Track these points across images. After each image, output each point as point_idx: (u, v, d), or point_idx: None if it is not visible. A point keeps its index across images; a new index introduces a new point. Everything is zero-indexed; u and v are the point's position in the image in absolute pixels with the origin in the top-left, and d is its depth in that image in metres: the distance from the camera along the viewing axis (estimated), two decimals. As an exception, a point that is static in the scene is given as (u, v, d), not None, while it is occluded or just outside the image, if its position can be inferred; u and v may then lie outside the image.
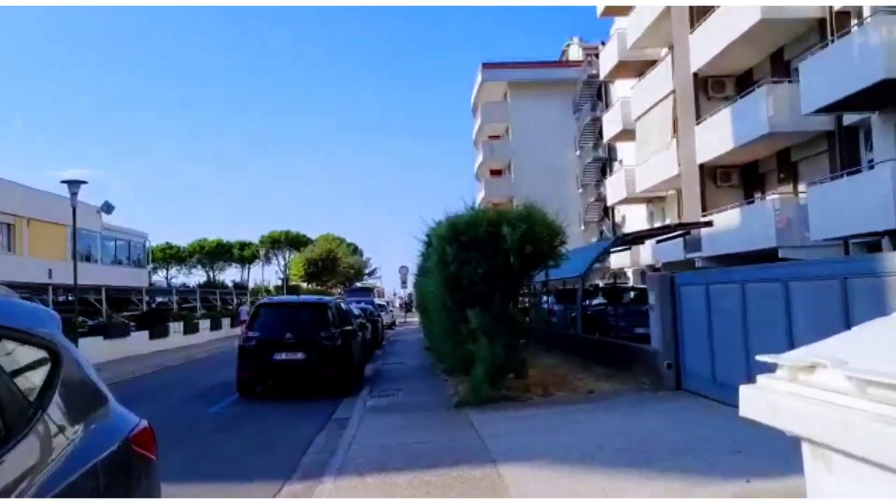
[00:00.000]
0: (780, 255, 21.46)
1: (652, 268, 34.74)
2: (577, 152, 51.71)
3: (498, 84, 60.09)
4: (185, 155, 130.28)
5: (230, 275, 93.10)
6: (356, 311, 22.38)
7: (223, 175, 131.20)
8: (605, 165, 46.05)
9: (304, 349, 13.23)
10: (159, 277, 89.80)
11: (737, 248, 23.23)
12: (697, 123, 27.01)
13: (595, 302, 19.13)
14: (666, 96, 29.94)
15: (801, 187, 23.82)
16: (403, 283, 50.37)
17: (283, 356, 13.20)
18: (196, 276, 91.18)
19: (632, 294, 19.58)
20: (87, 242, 43.54)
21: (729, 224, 24.73)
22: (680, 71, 28.64)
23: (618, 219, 43.24)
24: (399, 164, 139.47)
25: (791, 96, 21.66)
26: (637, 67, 35.14)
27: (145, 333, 26.52)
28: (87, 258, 43.36)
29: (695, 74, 27.26)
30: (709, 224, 18.72)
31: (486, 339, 10.95)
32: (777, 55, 24.34)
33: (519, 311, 11.84)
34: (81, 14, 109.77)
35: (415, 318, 50.52)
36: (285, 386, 14.32)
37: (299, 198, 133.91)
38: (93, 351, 21.63)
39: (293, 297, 15.97)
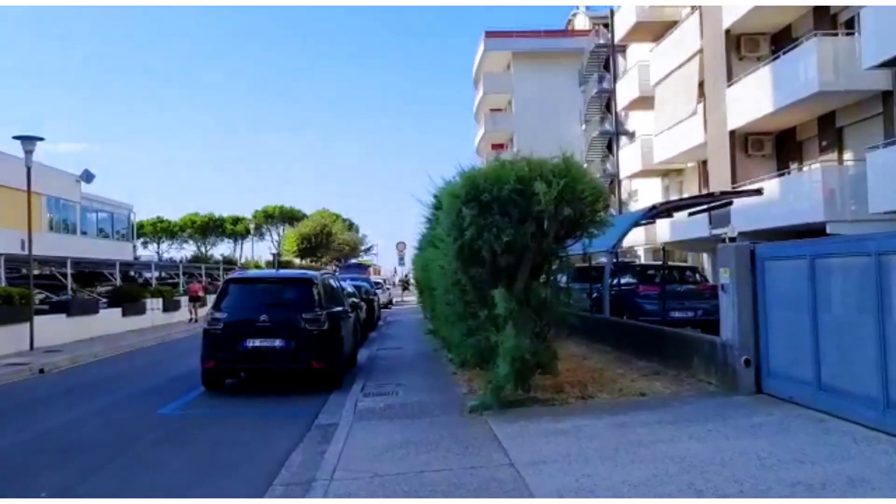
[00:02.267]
0: (829, 230, 19.01)
1: (657, 249, 32.38)
2: (583, 126, 49.05)
3: (501, 54, 57.57)
4: (180, 129, 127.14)
5: (222, 250, 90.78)
6: (349, 289, 19.93)
7: (218, 150, 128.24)
8: (611, 140, 43.43)
9: (282, 334, 10.78)
10: (150, 252, 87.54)
11: (775, 222, 20.74)
12: (729, 86, 24.42)
13: (621, 281, 16.68)
14: (692, 57, 27.29)
15: (848, 155, 21.32)
16: (401, 259, 47.94)
17: (257, 343, 10.74)
18: (187, 251, 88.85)
19: (667, 273, 17.14)
20: (65, 213, 41.00)
21: (765, 197, 22.26)
22: (709, 28, 25.98)
23: (624, 195, 40.78)
24: (398, 141, 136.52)
25: (846, 50, 19.09)
26: (655, 30, 32.38)
27: (118, 311, 24.02)
28: (65, 229, 40.86)
29: (727, 31, 24.61)
30: (758, 192, 16.28)
31: (513, 326, 8.49)
32: (822, 8, 21.69)
33: (550, 290, 9.38)
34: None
35: (412, 297, 48.14)
36: (260, 378, 11.90)
37: (296, 174, 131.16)
38: (52, 330, 19.25)
39: (269, 272, 13.52)
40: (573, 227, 9.16)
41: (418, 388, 10.42)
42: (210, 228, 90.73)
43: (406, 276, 58.75)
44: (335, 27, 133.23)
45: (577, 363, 11.48)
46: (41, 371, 14.97)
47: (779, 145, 25.03)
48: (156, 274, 36.31)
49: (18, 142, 18.36)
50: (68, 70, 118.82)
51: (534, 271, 9.50)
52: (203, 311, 26.04)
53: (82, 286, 27.67)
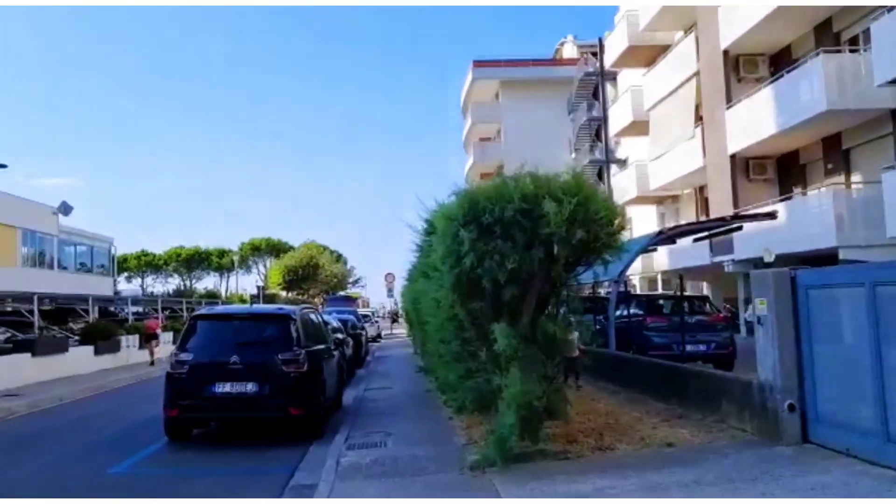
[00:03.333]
0: (842, 256, 18.02)
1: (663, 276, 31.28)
2: (573, 155, 48.29)
3: (489, 83, 57.26)
4: (166, 163, 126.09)
5: (207, 283, 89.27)
6: (334, 323, 18.67)
7: (204, 182, 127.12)
8: (601, 169, 42.63)
9: (256, 378, 9.52)
10: (134, 286, 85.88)
11: (780, 249, 19.69)
12: (728, 107, 23.62)
13: (627, 312, 15.53)
14: (688, 79, 26.56)
15: (856, 178, 20.43)
16: (389, 291, 46.60)
17: (227, 388, 9.47)
18: (172, 285, 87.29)
19: (676, 303, 16.03)
20: (42, 246, 39.57)
21: (768, 223, 21.29)
22: (706, 49, 25.27)
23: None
24: (386, 171, 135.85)
25: (852, 68, 18.28)
26: (647, 55, 31.76)
27: (89, 349, 22.60)
28: (42, 263, 39.41)
29: (725, 52, 23.90)
30: (772, 216, 15.24)
31: (518, 368, 7.31)
32: (824, 26, 20.96)
33: (560, 325, 8.24)
34: (60, 16, 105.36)
35: (401, 330, 46.80)
36: (232, 426, 10.62)
37: (282, 207, 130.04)
38: (13, 372, 17.85)
39: (241, 307, 12.25)
40: (585, 252, 8.04)
41: (410, 438, 9.17)
42: (195, 262, 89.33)
43: (395, 308, 57.44)
44: (321, 56, 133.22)
45: (586, 405, 10.27)
46: (-7, 418, 13.61)
47: (781, 169, 24.20)
48: (135, 309, 34.89)
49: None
50: (52, 104, 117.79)
51: (540, 304, 8.36)
52: (165, 351, 24.29)
53: (54, 323, 26.29)
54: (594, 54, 43.99)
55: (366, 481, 7.22)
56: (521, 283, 7.70)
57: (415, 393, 14.12)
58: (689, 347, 14.32)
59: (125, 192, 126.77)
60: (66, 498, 7.23)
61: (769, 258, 15.48)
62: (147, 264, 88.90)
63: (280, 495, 7.24)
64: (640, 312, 15.32)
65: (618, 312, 14.53)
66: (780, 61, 22.97)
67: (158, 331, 26.18)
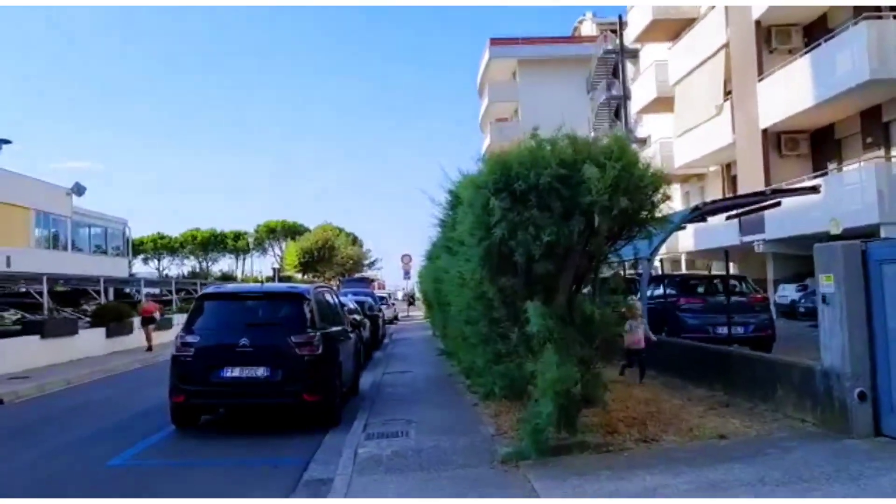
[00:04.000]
0: (883, 233, 17.09)
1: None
2: (592, 134, 47.13)
3: (506, 61, 56.23)
4: (183, 145, 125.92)
5: (223, 265, 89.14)
6: (351, 305, 18.01)
7: (222, 165, 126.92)
8: (622, 148, 41.43)
9: (267, 361, 8.85)
10: (150, 268, 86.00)
11: (814, 227, 18.75)
12: (760, 80, 22.57)
13: (659, 293, 14.71)
14: (717, 51, 25.47)
15: (897, 152, 19.42)
16: (406, 273, 45.88)
17: (236, 372, 8.80)
18: (188, 268, 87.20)
19: (711, 283, 15.20)
20: (55, 227, 39.15)
21: (801, 200, 20.34)
22: (737, 20, 24.18)
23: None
24: (402, 154, 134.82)
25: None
26: (672, 28, 30.59)
27: (101, 331, 22.08)
28: (55, 245, 39.01)
29: (756, 23, 22.83)
30: (815, 190, 14.34)
31: (556, 351, 6.57)
32: (864, -9, 19.84)
33: (599, 305, 7.48)
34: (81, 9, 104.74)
35: (418, 312, 46.16)
36: (241, 413, 9.98)
37: (299, 190, 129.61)
38: (22, 354, 17.35)
39: (252, 286, 11.52)
40: (627, 223, 7.27)
41: (434, 427, 8.47)
42: (211, 244, 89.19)
43: (412, 290, 56.83)
44: (337, 35, 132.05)
45: (623, 391, 9.52)
46: (-1, 402, 13.09)
47: (815, 144, 23.19)
48: (150, 290, 34.42)
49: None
50: (72, 88, 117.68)
51: (577, 281, 7.62)
52: (166, 337, 22.82)
53: (66, 305, 25.83)
54: (614, 31, 42.84)
55: (386, 476, 6.54)
56: (557, 258, 6.95)
57: (436, 377, 13.43)
58: (724, 330, 13.49)
59: (142, 175, 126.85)
60: (58, 498, 6.60)
61: (836, 230, 14.56)
62: (163, 247, 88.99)
63: (293, 491, 6.57)
64: (673, 292, 14.49)
65: (649, 293, 13.72)
66: (815, 31, 21.90)
67: (156, 314, 23.56)
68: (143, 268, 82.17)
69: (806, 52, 20.42)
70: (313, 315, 9.26)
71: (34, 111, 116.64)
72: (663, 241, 13.42)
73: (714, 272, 25.58)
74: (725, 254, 15.93)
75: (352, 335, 11.88)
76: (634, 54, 40.70)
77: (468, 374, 10.50)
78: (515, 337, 7.26)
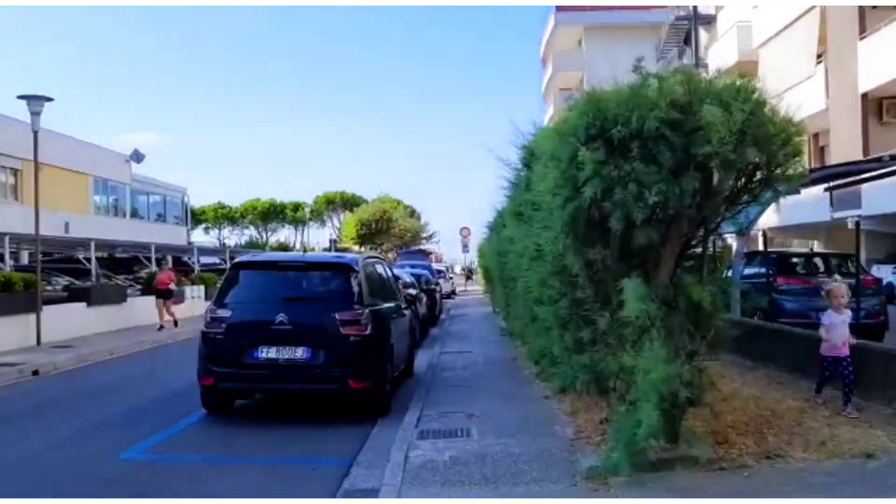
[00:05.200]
0: None
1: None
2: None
3: (572, 29, 54.01)
4: (245, 117, 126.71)
5: (282, 236, 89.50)
6: (407, 279, 16.83)
7: (284, 136, 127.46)
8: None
9: (308, 341, 7.68)
10: (211, 237, 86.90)
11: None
12: (861, 39, 20.35)
13: (751, 272, 13.05)
14: (810, 9, 23.18)
15: None
16: (465, 247, 44.67)
17: (273, 353, 7.65)
18: (247, 237, 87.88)
19: (813, 262, 13.45)
20: (114, 194, 39.07)
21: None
22: (835, -28, 21.87)
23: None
24: (462, 127, 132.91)
25: None
26: (755, -13, 28.25)
27: (151, 299, 21.44)
28: (114, 212, 38.96)
29: (859, -26, 20.53)
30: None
31: (663, 344, 5.17)
32: None
33: (709, 287, 6.05)
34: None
35: (476, 287, 44.94)
36: (280, 397, 8.86)
37: (359, 160, 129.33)
38: (68, 322, 16.74)
39: (294, 255, 10.34)
40: (750, 181, 5.78)
41: (500, 425, 7.16)
42: (271, 214, 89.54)
43: (470, 263, 55.61)
44: (397, 9, 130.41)
45: (723, 387, 8.04)
46: (34, 373, 12.35)
47: (921, 110, 20.91)
48: (208, 260, 33.96)
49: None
50: (135, 60, 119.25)
51: (679, 255, 6.17)
52: (186, 311, 20.98)
53: (119, 272, 25.37)
54: (687, -6, 40.51)
55: (443, 489, 5.29)
56: (661, 225, 5.54)
57: (498, 360, 12.13)
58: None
59: (206, 146, 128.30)
60: (58, 498, 5.55)
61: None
62: (224, 216, 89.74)
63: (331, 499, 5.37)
64: (768, 271, 12.79)
65: (745, 271, 12.10)
66: (926, -16, 19.57)
67: (172, 285, 20.15)
68: (203, 237, 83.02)
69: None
70: (361, 289, 8.02)
71: (102, 83, 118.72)
72: (760, 213, 11.78)
73: (816, 250, 23.48)
74: (857, 224, 13.77)
75: (406, 312, 10.66)
76: (708, 21, 38.28)
77: (537, 360, 9.15)
78: (604, 322, 5.87)
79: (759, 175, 5.74)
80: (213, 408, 8.22)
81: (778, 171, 5.67)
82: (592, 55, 52.18)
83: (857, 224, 12.49)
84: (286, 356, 7.63)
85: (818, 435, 6.13)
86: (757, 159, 5.38)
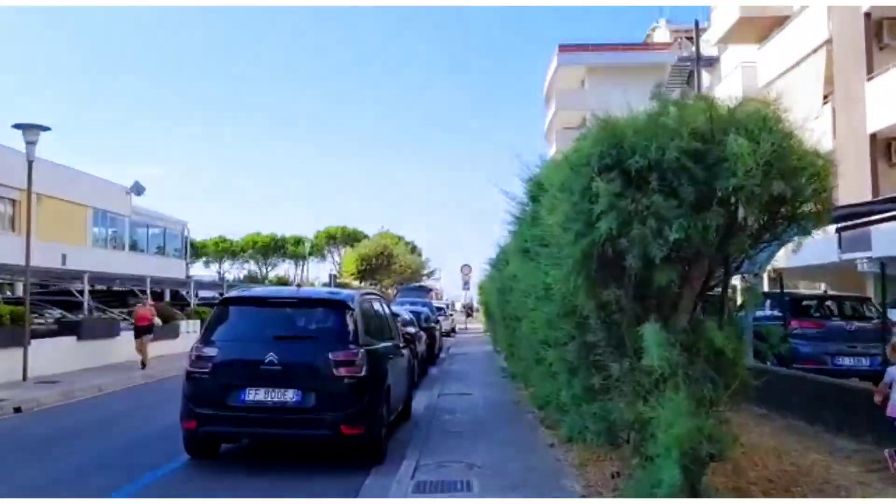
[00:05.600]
0: None
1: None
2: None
3: (575, 69, 54.23)
4: (248, 153, 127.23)
5: (282, 270, 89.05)
6: (406, 316, 16.35)
7: (286, 171, 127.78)
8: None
9: (298, 383, 7.19)
10: (211, 271, 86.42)
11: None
12: (869, 79, 20.12)
13: (764, 315, 12.60)
14: (817, 49, 23.02)
15: None
16: (466, 284, 44.22)
17: (260, 395, 7.15)
18: (247, 272, 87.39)
19: (827, 305, 13.01)
20: (113, 226, 38.73)
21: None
22: (841, 13, 21.75)
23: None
24: (465, 164, 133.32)
25: None
26: (762, 26, 28.22)
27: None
28: (113, 244, 38.59)
29: (866, 15, 20.39)
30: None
31: (686, 396, 4.71)
32: None
33: (732, 331, 5.61)
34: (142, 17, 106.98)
35: (477, 325, 44.35)
36: (267, 444, 8.33)
37: (362, 196, 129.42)
38: (56, 356, 16.23)
39: (286, 290, 9.84)
40: (775, 217, 5.36)
41: (502, 477, 6.65)
42: (271, 249, 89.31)
43: (470, 301, 55.06)
44: (400, 44, 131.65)
45: (741, 438, 7.53)
46: (16, 410, 11.83)
47: (929, 151, 20.62)
48: (207, 293, 33.50)
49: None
50: (141, 92, 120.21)
51: (700, 296, 5.74)
52: (180, 346, 19.73)
53: (114, 305, 24.88)
54: (689, 38, 40.82)
55: (441, 553, 4.77)
56: (682, 264, 5.12)
57: (500, 403, 11.60)
58: (845, 361, 11.39)
59: (207, 180, 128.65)
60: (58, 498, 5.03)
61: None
62: (224, 250, 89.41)
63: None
64: (781, 314, 12.34)
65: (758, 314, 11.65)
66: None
67: (154, 319, 18.83)
68: (204, 271, 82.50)
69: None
70: (357, 327, 7.56)
71: (103, 115, 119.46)
72: (774, 253, 11.37)
73: (829, 292, 23.02)
74: (881, 267, 13.00)
75: (404, 351, 10.19)
76: (710, 62, 38.39)
77: (542, 405, 8.65)
78: (618, 368, 5.41)
79: (783, 211, 5.34)
80: (196, 453, 7.70)
81: (804, 206, 5.27)
82: (595, 94, 52.23)
83: (883, 266, 11.95)
84: (275, 399, 7.14)
85: (850, 493, 5.63)
86: (784, 193, 4.97)
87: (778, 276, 14.18)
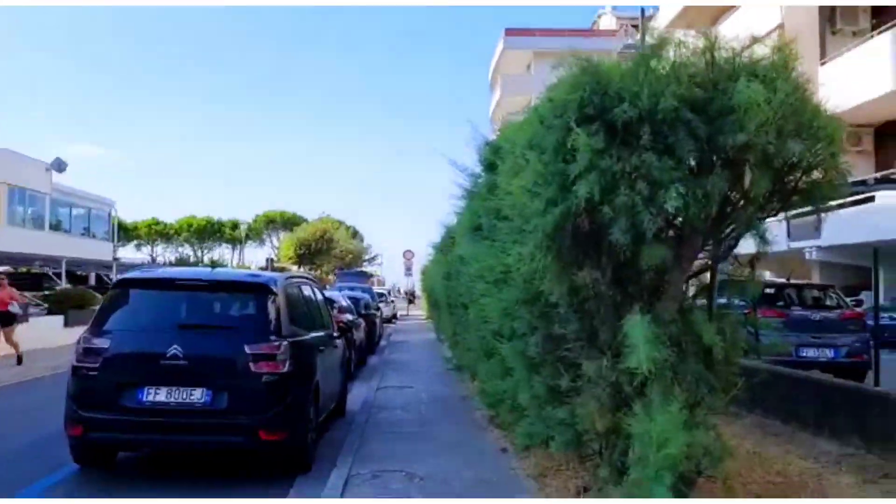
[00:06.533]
0: None
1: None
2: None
3: (521, 53, 53.69)
4: (182, 134, 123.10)
5: (219, 254, 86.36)
6: (343, 303, 15.22)
7: (224, 155, 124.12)
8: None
9: (207, 381, 6.03)
10: (143, 254, 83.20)
11: (885, 234, 15.96)
12: (822, 64, 19.76)
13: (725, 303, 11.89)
14: (769, 33, 22.59)
15: None
16: (408, 270, 43.14)
17: (162, 395, 5.98)
18: (179, 255, 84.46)
19: (791, 293, 12.39)
20: (32, 204, 36.26)
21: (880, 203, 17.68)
22: (794, -3, 21.37)
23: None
24: (407, 147, 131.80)
25: None
26: (709, 14, 27.85)
27: (59, 319, 19.30)
28: (32, 224, 36.14)
29: (819, 0, 20.05)
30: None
31: (683, 405, 3.79)
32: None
33: (727, 324, 4.74)
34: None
35: (419, 312, 43.38)
36: (171, 452, 7.15)
37: (303, 182, 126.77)
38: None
39: (197, 271, 8.58)
40: (784, 185, 4.48)
41: (449, 491, 5.65)
42: (208, 232, 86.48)
43: (412, 287, 54.05)
44: (340, 27, 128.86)
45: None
46: None
47: (878, 140, 20.44)
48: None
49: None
50: (81, 73, 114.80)
51: (689, 280, 4.86)
52: (33, 340, 16.53)
53: (26, 289, 23.01)
54: (635, 26, 40.73)
55: None
56: (676, 241, 4.20)
57: (445, 398, 10.62)
58: (809, 352, 10.78)
59: (144, 162, 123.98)
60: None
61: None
62: (158, 233, 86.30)
63: None
64: (742, 303, 11.65)
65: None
66: (885, 13, 19.17)
67: (15, 306, 15.29)
68: (135, 253, 79.43)
69: (884, 31, 17.63)
70: (280, 315, 6.42)
71: (35, 95, 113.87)
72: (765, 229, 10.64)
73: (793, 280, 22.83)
74: (874, 251, 12.46)
75: (338, 342, 9.07)
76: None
77: (493, 404, 7.68)
78: (593, 367, 4.46)
79: (792, 178, 4.46)
80: (86, 462, 6.48)
81: (818, 174, 4.40)
82: (541, 80, 51.58)
83: (875, 251, 11.30)
84: (179, 399, 5.96)
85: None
86: (802, 154, 4.09)
87: (750, 262, 13.52)
